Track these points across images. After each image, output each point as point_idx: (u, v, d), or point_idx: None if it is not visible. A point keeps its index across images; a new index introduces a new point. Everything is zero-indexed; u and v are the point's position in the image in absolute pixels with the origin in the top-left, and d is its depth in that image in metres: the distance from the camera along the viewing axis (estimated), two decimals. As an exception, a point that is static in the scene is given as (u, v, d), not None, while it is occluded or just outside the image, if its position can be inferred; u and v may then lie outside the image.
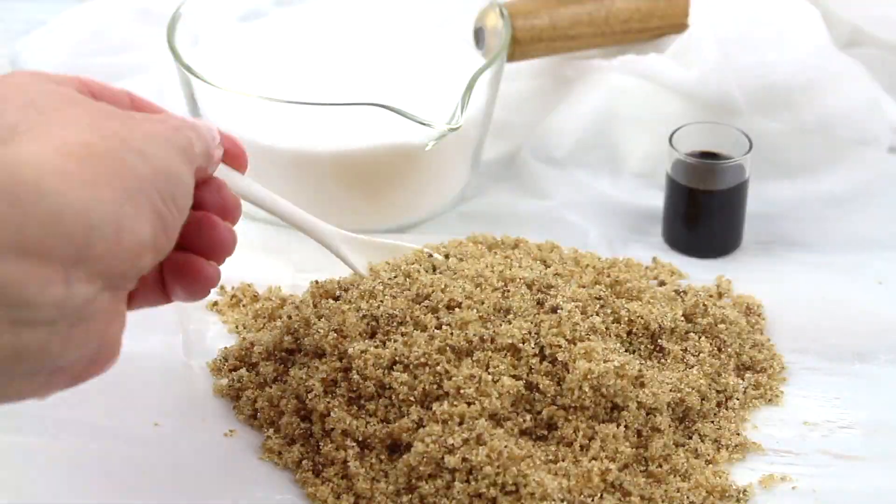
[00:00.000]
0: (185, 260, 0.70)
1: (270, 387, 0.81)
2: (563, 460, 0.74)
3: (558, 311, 0.78)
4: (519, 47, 1.02)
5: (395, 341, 0.77)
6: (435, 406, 0.74)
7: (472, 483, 0.71)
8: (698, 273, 0.93)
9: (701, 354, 0.83)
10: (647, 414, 0.77)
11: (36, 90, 0.63)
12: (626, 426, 0.76)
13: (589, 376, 0.75)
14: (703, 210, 0.95)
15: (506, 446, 0.72)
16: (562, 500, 0.71)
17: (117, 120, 0.62)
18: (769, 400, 0.83)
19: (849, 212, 0.99)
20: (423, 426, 0.74)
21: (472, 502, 0.71)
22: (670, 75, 1.02)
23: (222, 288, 0.91)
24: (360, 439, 0.75)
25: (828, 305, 0.90)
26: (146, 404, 0.79)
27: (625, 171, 1.04)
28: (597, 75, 1.05)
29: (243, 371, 0.82)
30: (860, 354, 0.86)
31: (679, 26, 1.07)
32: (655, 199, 1.00)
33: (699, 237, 0.96)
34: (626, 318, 0.81)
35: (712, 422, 0.80)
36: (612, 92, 1.04)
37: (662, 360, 0.82)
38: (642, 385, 0.77)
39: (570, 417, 0.76)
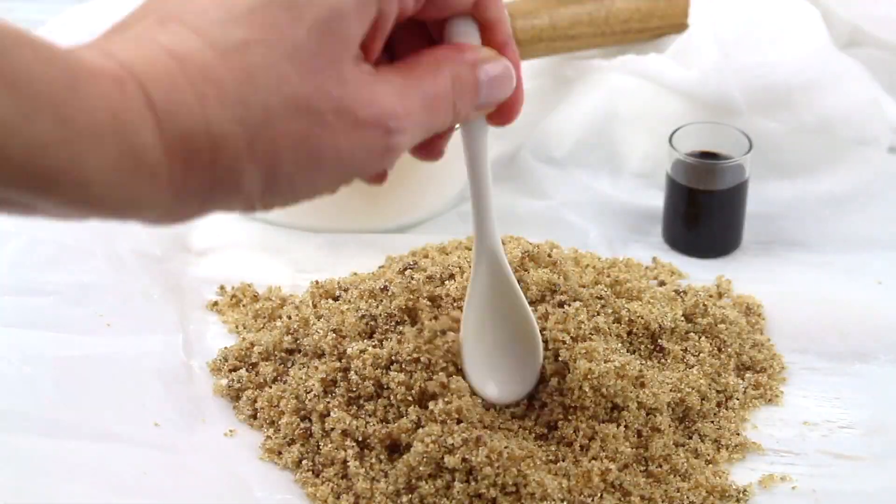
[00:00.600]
0: None
1: (270, 387, 0.81)
2: (563, 460, 0.74)
3: (565, 306, 0.78)
4: (519, 47, 1.02)
5: (391, 340, 0.77)
6: (431, 405, 0.74)
7: (472, 483, 0.71)
8: (698, 273, 0.93)
9: (701, 354, 0.83)
10: (648, 414, 0.77)
11: None
12: (626, 426, 0.76)
13: (589, 376, 0.75)
14: (703, 210, 0.95)
15: (506, 447, 0.72)
16: (562, 500, 0.71)
17: (302, 121, 0.53)
18: (769, 400, 0.83)
19: (849, 212, 0.99)
20: (422, 426, 0.74)
21: (472, 502, 0.71)
22: (670, 75, 1.02)
23: (222, 288, 0.91)
24: (360, 439, 0.75)
25: (828, 305, 0.90)
26: (146, 404, 0.79)
27: (625, 171, 1.03)
28: (597, 75, 1.05)
29: (243, 371, 0.82)
30: (860, 354, 0.86)
31: (679, 26, 1.07)
32: (655, 199, 0.99)
33: (699, 237, 0.96)
34: (627, 318, 0.81)
35: (712, 422, 0.80)
36: (612, 92, 1.04)
37: (662, 360, 0.82)
38: (642, 385, 0.77)
39: (570, 417, 0.76)
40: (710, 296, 0.89)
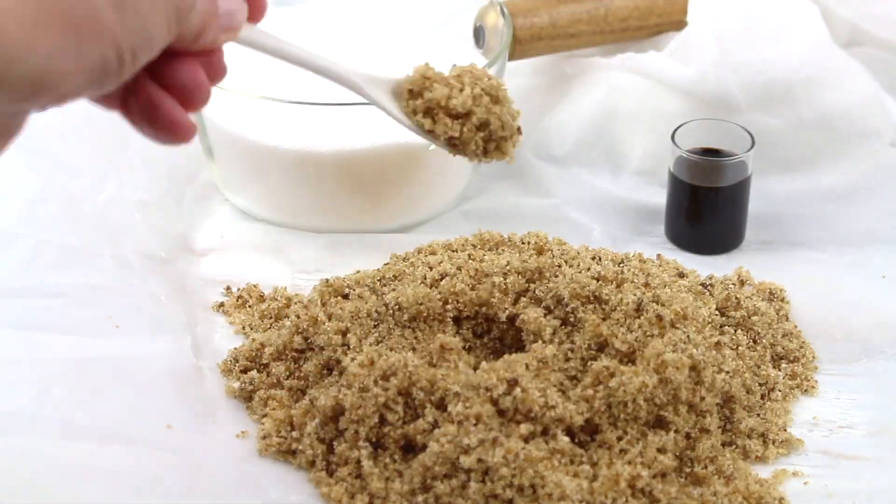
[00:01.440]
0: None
1: (282, 387, 0.81)
2: (595, 463, 0.74)
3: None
4: (519, 46, 1.03)
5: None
6: (450, 407, 0.74)
7: (488, 483, 0.71)
8: (702, 270, 0.93)
9: (739, 348, 0.83)
10: (697, 416, 0.77)
11: None
12: (675, 430, 0.75)
13: (643, 389, 0.75)
14: (706, 207, 0.95)
15: (523, 448, 0.72)
16: (580, 502, 0.71)
17: None
18: (805, 391, 0.83)
19: (851, 206, 0.99)
20: (438, 427, 0.73)
21: (489, 503, 0.71)
22: (669, 73, 1.02)
23: (228, 289, 0.91)
24: (374, 439, 0.75)
25: (831, 301, 0.90)
26: (158, 406, 0.79)
27: (626, 169, 1.04)
28: (596, 73, 1.05)
29: (254, 373, 0.82)
30: (866, 349, 0.87)
31: (678, 24, 1.07)
32: (657, 197, 1.00)
33: (702, 234, 0.96)
34: (670, 317, 0.79)
35: (758, 414, 0.80)
36: (612, 90, 1.04)
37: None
38: (699, 381, 0.77)
39: (618, 424, 0.75)
40: (733, 284, 0.89)
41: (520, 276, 0.82)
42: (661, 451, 0.74)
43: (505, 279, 0.82)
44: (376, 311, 0.81)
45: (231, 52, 1.01)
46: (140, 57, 0.57)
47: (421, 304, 0.80)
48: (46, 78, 0.53)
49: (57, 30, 0.52)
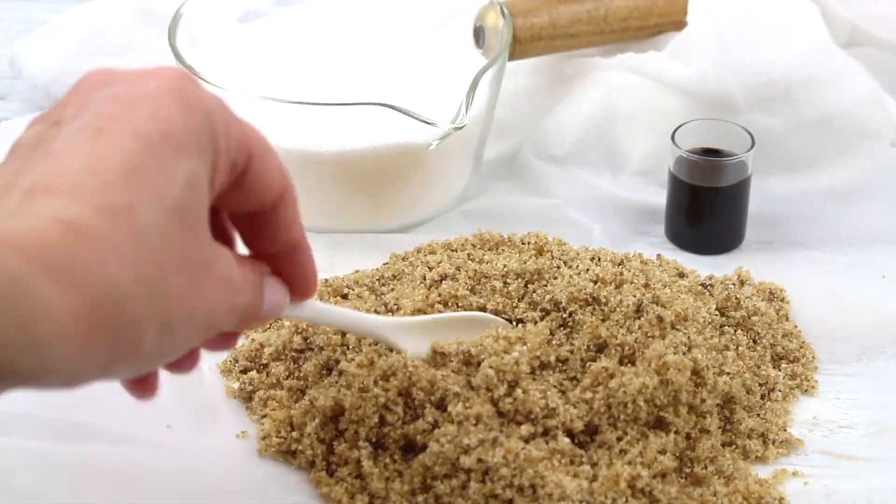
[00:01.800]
0: None
1: (282, 387, 0.81)
2: (595, 463, 0.74)
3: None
4: (518, 46, 1.03)
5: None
6: (450, 407, 0.73)
7: (488, 483, 0.71)
8: (702, 270, 0.93)
9: (739, 348, 0.83)
10: (698, 417, 0.77)
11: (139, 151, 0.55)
12: (676, 432, 0.75)
13: (644, 390, 0.75)
14: (706, 207, 0.95)
15: (523, 448, 0.72)
16: (580, 502, 0.71)
17: (185, 276, 0.56)
18: (805, 391, 0.83)
19: (851, 207, 0.99)
20: (438, 427, 0.73)
21: (489, 502, 0.71)
22: (669, 73, 1.02)
23: (228, 289, 0.91)
24: (374, 439, 0.75)
25: (831, 301, 0.90)
26: (158, 407, 0.78)
27: (626, 169, 1.04)
28: (596, 73, 1.05)
29: (254, 373, 0.82)
30: (866, 349, 0.87)
31: (678, 24, 1.07)
32: (657, 197, 1.00)
33: (702, 234, 0.96)
34: (670, 319, 0.80)
35: (759, 415, 0.80)
36: (612, 90, 1.04)
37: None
38: (699, 384, 0.77)
39: (617, 425, 0.75)
40: (733, 284, 0.90)
41: (519, 279, 0.82)
42: (661, 451, 0.74)
43: (505, 283, 0.82)
44: (375, 311, 0.81)
45: (231, 52, 1.02)
46: (160, 365, 0.60)
47: (422, 310, 0.80)
48: (65, 381, 0.53)
49: (97, 351, 0.52)
